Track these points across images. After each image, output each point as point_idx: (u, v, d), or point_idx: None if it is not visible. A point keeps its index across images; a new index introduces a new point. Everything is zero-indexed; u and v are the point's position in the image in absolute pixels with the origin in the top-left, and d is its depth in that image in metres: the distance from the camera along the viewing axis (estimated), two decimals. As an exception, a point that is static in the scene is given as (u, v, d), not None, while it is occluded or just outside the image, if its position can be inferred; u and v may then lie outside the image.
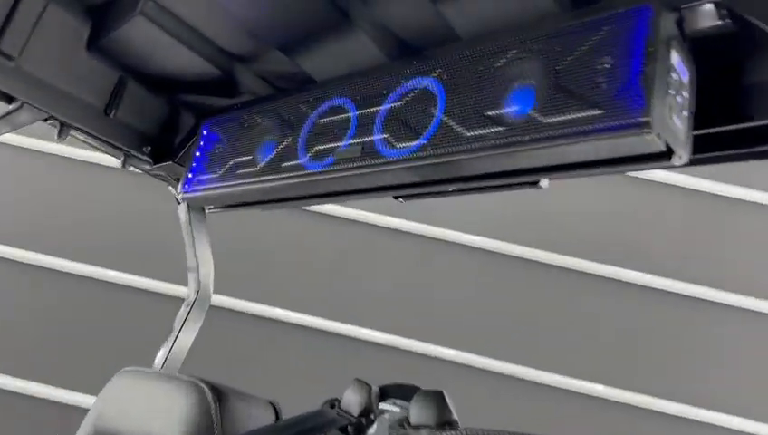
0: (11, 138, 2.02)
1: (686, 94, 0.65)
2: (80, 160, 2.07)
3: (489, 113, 0.71)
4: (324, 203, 0.95)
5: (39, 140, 2.06)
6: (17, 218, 2.07)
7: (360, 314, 2.05)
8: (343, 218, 2.04)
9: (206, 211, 1.19)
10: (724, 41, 0.67)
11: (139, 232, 2.00)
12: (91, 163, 2.04)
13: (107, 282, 2.01)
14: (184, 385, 0.91)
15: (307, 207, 1.98)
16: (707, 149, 0.71)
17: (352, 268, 2.09)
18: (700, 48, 0.68)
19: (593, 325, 2.08)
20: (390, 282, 2.09)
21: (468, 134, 0.72)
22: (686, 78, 0.66)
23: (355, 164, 0.82)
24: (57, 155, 2.08)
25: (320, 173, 0.86)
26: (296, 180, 0.89)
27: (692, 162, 0.66)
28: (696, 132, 0.68)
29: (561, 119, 0.64)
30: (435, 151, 0.74)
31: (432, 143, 0.75)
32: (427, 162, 0.75)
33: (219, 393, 0.90)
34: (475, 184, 0.82)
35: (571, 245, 2.10)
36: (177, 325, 1.23)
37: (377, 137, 0.82)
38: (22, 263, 2.02)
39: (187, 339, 1.23)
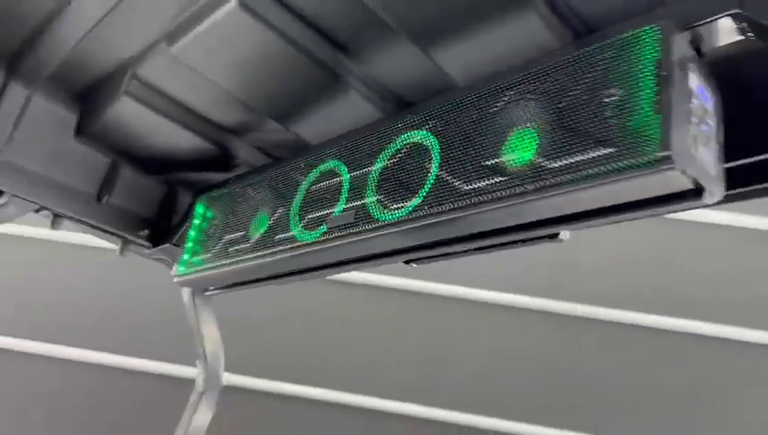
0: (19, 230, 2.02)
1: (711, 123, 0.57)
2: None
3: (488, 163, 0.63)
4: (322, 276, 0.88)
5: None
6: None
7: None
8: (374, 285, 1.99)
9: (207, 293, 1.12)
10: (749, 59, 0.58)
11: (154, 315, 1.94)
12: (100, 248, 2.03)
13: (119, 368, 1.96)
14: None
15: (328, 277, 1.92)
16: (741, 183, 0.61)
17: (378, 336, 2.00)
18: (724, 70, 0.60)
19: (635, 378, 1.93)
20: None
21: (467, 188, 0.63)
22: (709, 104, 0.57)
23: (349, 231, 0.74)
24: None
25: (313, 244, 0.78)
26: (289, 254, 0.81)
27: (727, 199, 0.57)
28: (729, 165, 0.58)
29: (568, 162, 0.56)
30: (431, 210, 0.66)
31: (428, 202, 0.67)
32: (424, 223, 0.67)
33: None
34: (488, 241, 0.73)
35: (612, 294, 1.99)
36: (187, 414, 1.15)
37: (370, 199, 0.74)
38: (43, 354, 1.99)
39: (200, 427, 1.14)
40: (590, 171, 0.54)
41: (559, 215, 0.60)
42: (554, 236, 0.72)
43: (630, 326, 1.98)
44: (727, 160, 0.60)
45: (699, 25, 0.57)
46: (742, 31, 0.55)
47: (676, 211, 0.56)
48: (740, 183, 0.61)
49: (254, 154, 1.07)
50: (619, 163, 0.53)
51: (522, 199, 0.58)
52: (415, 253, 0.78)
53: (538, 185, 0.57)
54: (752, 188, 0.62)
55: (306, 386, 1.97)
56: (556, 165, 0.57)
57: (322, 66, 0.83)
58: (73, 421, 1.93)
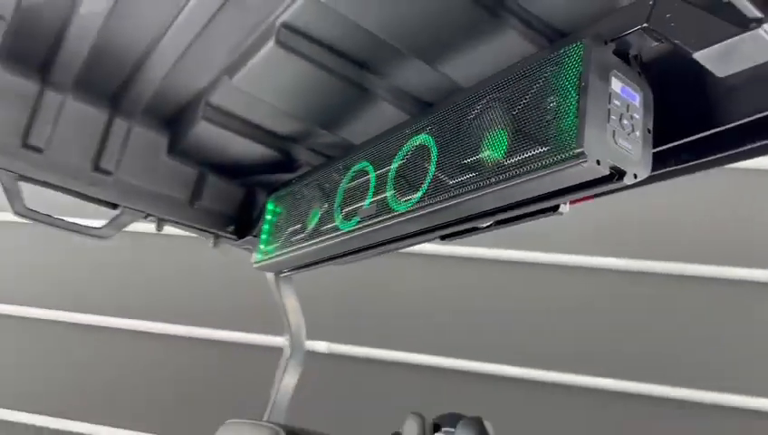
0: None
1: (637, 115, 0.69)
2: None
3: (466, 161, 0.79)
4: (360, 259, 1.07)
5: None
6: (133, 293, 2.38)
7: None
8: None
9: (282, 274, 1.35)
10: (673, 56, 0.70)
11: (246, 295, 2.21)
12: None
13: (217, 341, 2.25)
14: (266, 430, 1.05)
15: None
16: (673, 163, 0.73)
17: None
18: (657, 67, 0.72)
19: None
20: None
21: (451, 183, 0.80)
22: (635, 100, 0.70)
23: (372, 220, 0.92)
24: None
25: (349, 232, 0.97)
26: (333, 241, 1.01)
27: (657, 178, 0.69)
28: (662, 148, 0.71)
29: (518, 159, 0.71)
30: (429, 202, 0.83)
31: (428, 195, 0.84)
32: (424, 212, 0.84)
33: (293, 433, 1.04)
34: (499, 217, 0.89)
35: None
36: (277, 378, 1.39)
37: (389, 193, 0.92)
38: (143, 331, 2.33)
39: (287, 389, 1.38)
40: (534, 165, 0.69)
41: (518, 200, 0.75)
42: (556, 209, 0.86)
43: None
44: (663, 143, 0.72)
45: (619, 38, 0.69)
46: (657, 39, 0.67)
47: (605, 192, 0.70)
48: (672, 162, 0.73)
49: (311, 155, 1.27)
50: (553, 159, 0.67)
51: (486, 191, 0.74)
52: (429, 234, 0.95)
53: (496, 178, 0.73)
54: (682, 166, 0.74)
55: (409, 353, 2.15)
56: (510, 162, 0.72)
57: (351, 83, 1.01)
58: (187, 385, 2.24)
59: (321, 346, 2.25)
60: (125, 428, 2.26)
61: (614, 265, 2.10)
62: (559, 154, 0.66)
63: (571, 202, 0.87)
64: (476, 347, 2.13)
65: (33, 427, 2.31)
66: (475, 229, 0.98)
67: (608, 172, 0.66)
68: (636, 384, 2.01)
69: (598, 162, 0.65)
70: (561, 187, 0.70)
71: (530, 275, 2.14)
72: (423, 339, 2.14)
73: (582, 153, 0.64)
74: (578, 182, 0.68)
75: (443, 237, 1.05)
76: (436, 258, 2.24)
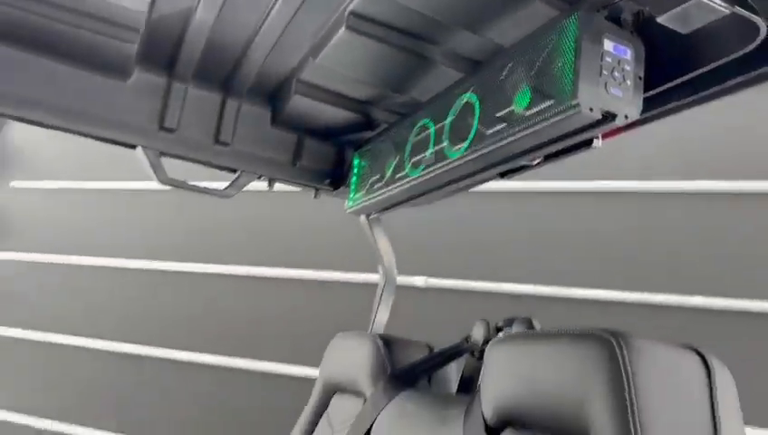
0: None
1: (628, 68, 0.86)
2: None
3: (500, 114, 0.99)
4: (432, 200, 1.30)
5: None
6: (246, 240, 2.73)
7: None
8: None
9: (371, 217, 1.61)
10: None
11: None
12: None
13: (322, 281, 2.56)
14: (367, 338, 1.33)
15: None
16: (662, 104, 0.89)
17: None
18: (651, 23, 0.87)
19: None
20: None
21: (488, 132, 1.00)
22: (627, 55, 0.86)
23: (433, 168, 1.14)
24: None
25: (417, 178, 1.20)
26: (405, 186, 1.24)
27: (651, 118, 0.86)
28: (652, 92, 0.87)
29: (534, 111, 0.90)
30: (474, 149, 1.04)
31: (473, 143, 1.05)
32: (471, 158, 1.05)
33: (387, 341, 1.30)
34: (542, 154, 1.08)
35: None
36: (374, 306, 1.67)
37: (445, 144, 1.13)
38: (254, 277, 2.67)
39: (382, 316, 1.65)
40: (546, 115, 0.88)
41: (538, 145, 0.95)
42: (590, 144, 1.05)
43: None
44: (654, 88, 0.89)
45: (611, 5, 0.85)
46: (637, 3, 0.83)
47: (602, 131, 0.88)
48: (661, 104, 0.90)
49: (387, 115, 1.50)
50: (558, 109, 0.86)
51: (513, 138, 0.94)
52: (486, 173, 1.16)
53: (519, 128, 0.93)
54: (671, 106, 0.90)
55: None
56: (528, 114, 0.91)
57: (412, 52, 1.23)
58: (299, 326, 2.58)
59: (419, 281, 2.51)
60: (246, 356, 2.65)
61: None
62: (561, 106, 0.85)
63: (604, 137, 1.05)
64: (560, 272, 2.30)
65: (191, 364, 2.76)
66: (525, 166, 1.18)
67: (600, 116, 0.84)
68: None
69: (591, 109, 0.83)
70: (571, 130, 0.89)
71: (604, 203, 2.27)
72: (504, 269, 2.34)
73: (577, 104, 0.82)
74: (582, 125, 0.87)
75: (501, 175, 1.26)
76: (523, 194, 2.42)
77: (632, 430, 0.68)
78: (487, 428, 0.91)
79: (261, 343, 2.62)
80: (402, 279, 2.38)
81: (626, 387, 0.70)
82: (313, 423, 1.44)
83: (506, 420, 0.89)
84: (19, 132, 3.45)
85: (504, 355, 0.91)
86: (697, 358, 0.74)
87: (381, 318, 1.65)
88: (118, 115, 1.39)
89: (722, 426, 0.71)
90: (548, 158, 1.12)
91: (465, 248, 2.45)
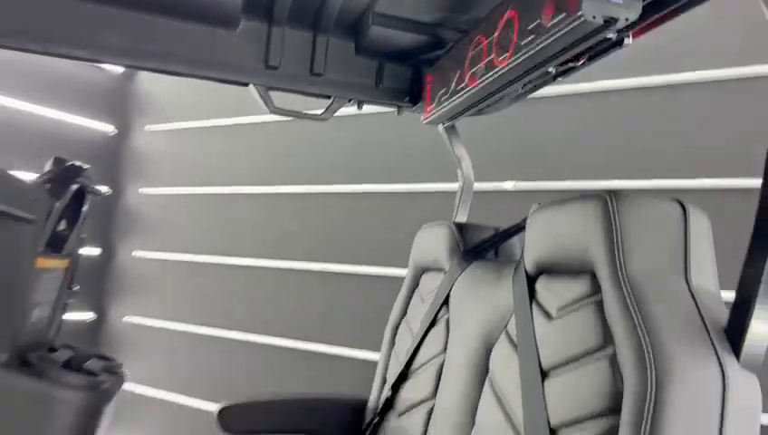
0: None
1: (628, -20, 1.03)
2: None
3: (530, 28, 1.19)
4: (489, 109, 1.52)
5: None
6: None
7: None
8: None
9: (445, 124, 1.85)
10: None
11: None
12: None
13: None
14: (443, 225, 1.61)
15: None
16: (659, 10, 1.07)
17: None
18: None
19: None
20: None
21: (523, 43, 1.21)
22: (627, -30, 1.03)
23: (485, 77, 1.37)
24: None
25: (473, 88, 1.43)
26: (465, 96, 1.48)
27: (651, 24, 1.04)
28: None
29: (554, 21, 1.10)
30: (515, 59, 1.25)
31: (514, 54, 1.26)
32: (513, 66, 1.26)
33: (460, 226, 1.58)
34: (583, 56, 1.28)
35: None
36: (455, 205, 1.93)
37: (492, 56, 1.35)
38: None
39: (462, 214, 1.92)
40: (561, 26, 1.08)
41: (562, 50, 1.15)
42: (621, 43, 1.24)
43: None
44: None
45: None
46: None
47: (609, 34, 1.06)
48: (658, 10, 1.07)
49: (454, 34, 1.72)
50: (569, 20, 1.05)
51: (538, 47, 1.15)
52: (540, 79, 1.36)
53: (543, 37, 1.13)
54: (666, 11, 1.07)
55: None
56: (549, 24, 1.11)
57: None
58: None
59: (508, 185, 2.72)
60: (345, 262, 3.00)
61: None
62: (571, 17, 1.05)
63: (635, 35, 1.24)
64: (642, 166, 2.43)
65: (307, 272, 3.17)
66: (572, 69, 1.38)
67: (602, 22, 1.03)
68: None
69: (594, 17, 1.02)
70: (581, 35, 1.09)
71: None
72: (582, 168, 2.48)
73: (581, 15, 1.02)
74: (590, 30, 1.06)
75: (555, 78, 1.46)
76: (600, 94, 2.53)
77: (618, 263, 0.92)
78: (528, 277, 1.17)
79: (362, 251, 2.97)
80: (493, 185, 2.62)
81: (614, 229, 0.93)
82: (408, 299, 1.76)
83: (541, 270, 1.15)
84: (148, 83, 3.93)
85: (538, 220, 1.15)
86: (678, 206, 0.96)
87: (461, 217, 1.92)
88: (231, 59, 1.71)
89: (691, 261, 0.92)
90: (591, 58, 1.32)
91: (554, 153, 2.61)
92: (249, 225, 3.40)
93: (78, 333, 3.71)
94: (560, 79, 1.47)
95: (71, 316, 3.58)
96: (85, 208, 1.25)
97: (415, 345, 1.56)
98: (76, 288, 1.50)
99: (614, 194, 0.96)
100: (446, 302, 1.51)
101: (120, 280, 3.88)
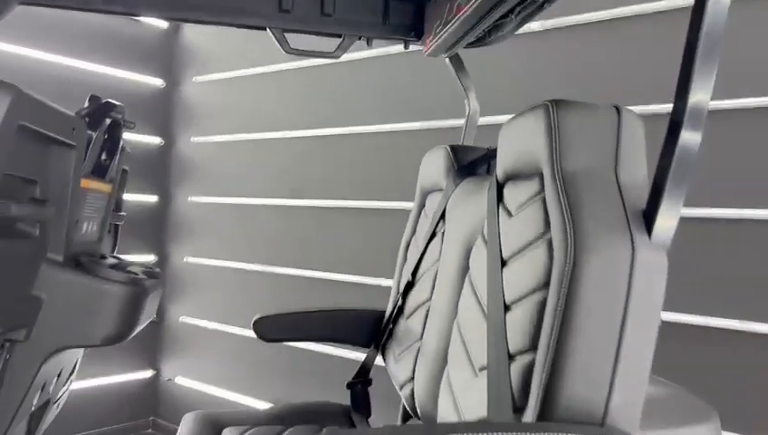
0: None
1: None
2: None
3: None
4: (480, 35, 1.64)
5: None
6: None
7: None
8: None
9: (444, 55, 1.98)
10: None
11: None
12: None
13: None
14: (441, 149, 1.77)
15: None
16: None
17: None
18: None
19: None
20: None
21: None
22: None
23: (466, 8, 1.50)
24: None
25: (462, 15, 1.56)
26: (456, 24, 1.61)
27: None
28: None
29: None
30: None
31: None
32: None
33: (455, 148, 1.74)
34: None
35: None
36: (462, 134, 2.08)
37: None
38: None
39: (468, 138, 2.06)
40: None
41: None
42: None
43: None
44: None
45: None
46: None
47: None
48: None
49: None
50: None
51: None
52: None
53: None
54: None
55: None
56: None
57: None
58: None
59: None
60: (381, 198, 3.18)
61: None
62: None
63: None
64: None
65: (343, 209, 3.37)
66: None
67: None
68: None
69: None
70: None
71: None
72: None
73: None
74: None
75: (542, 5, 1.57)
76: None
77: (554, 161, 1.06)
78: (498, 185, 1.33)
79: (396, 187, 3.14)
80: (501, 118, 2.72)
81: (553, 133, 1.07)
82: (416, 219, 1.94)
83: (507, 177, 1.30)
84: (192, 36, 4.15)
85: (503, 134, 1.30)
86: (614, 110, 1.08)
87: (467, 140, 2.07)
88: (247, 5, 1.88)
89: (621, 158, 1.05)
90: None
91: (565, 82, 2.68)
92: (293, 167, 3.62)
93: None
94: (546, 5, 1.58)
95: (135, 258, 3.94)
96: (122, 142, 1.47)
97: (418, 257, 1.75)
98: (123, 214, 1.75)
99: (555, 102, 1.09)
100: (443, 216, 1.68)
101: (177, 224, 4.20)
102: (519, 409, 1.01)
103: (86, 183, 1.28)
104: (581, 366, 0.93)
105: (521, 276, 1.11)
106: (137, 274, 1.32)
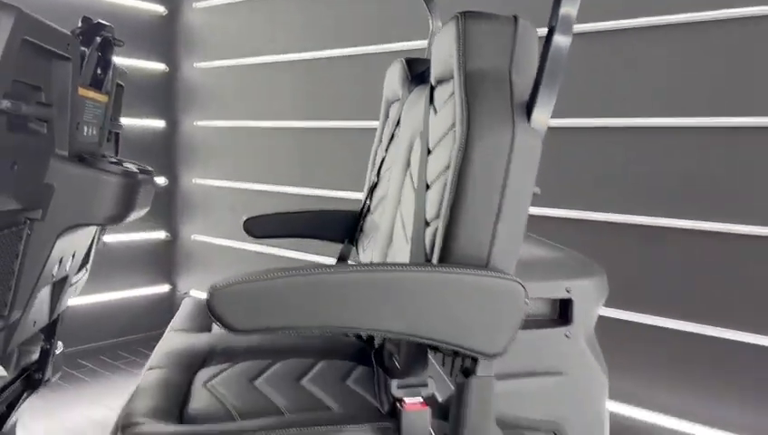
0: None
1: None
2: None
3: None
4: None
5: None
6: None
7: None
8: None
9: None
10: None
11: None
12: None
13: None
14: (398, 61, 1.97)
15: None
16: None
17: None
18: None
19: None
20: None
21: None
22: None
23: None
24: None
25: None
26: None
27: None
28: None
29: None
30: None
31: None
32: None
33: (409, 61, 1.94)
34: None
35: None
36: (426, 49, 2.26)
37: None
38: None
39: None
40: None
41: None
42: None
43: None
44: None
45: None
46: None
47: None
48: None
49: None
50: None
51: None
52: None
53: None
54: None
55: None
56: None
57: None
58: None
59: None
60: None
61: None
62: None
63: None
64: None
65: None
66: None
67: None
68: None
69: None
70: None
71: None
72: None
73: None
74: None
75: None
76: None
77: (460, 63, 1.28)
78: (432, 89, 1.55)
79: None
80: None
81: (460, 39, 1.29)
82: (383, 127, 2.17)
83: (437, 81, 1.52)
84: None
85: (434, 43, 1.51)
86: (512, 19, 1.29)
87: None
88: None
89: (514, 60, 1.26)
90: None
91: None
92: (300, 90, 3.83)
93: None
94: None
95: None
96: (114, 57, 1.71)
97: (380, 160, 2.00)
98: (121, 124, 2.01)
99: (464, 14, 1.30)
100: (399, 123, 1.91)
101: (184, 149, 4.47)
102: (428, 262, 1.28)
103: (83, 92, 1.53)
104: (470, 227, 1.18)
105: (437, 161, 1.35)
106: (131, 169, 1.59)
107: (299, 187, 3.76)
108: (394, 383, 1.14)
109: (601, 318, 1.45)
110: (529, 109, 1.20)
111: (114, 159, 1.72)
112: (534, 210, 2.69)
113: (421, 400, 1.15)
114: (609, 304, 2.34)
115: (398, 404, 1.15)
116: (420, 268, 1.11)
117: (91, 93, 1.58)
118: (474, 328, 1.12)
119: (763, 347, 2.21)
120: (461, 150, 1.18)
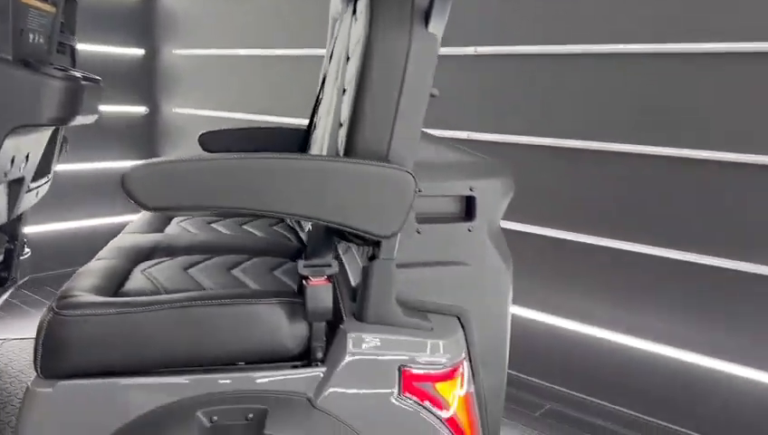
0: None
1: None
2: None
3: None
4: None
5: None
6: None
7: None
8: None
9: None
10: None
11: None
12: None
13: None
14: None
15: None
16: None
17: None
18: None
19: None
20: None
21: None
22: None
23: None
24: None
25: None
26: None
27: None
28: None
29: None
30: None
31: None
32: None
33: None
34: None
35: None
36: None
37: None
38: None
39: None
40: None
41: None
42: None
43: None
44: None
45: None
46: None
47: None
48: None
49: None
50: None
51: None
52: None
53: None
54: None
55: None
56: None
57: None
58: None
59: (469, 50, 2.97)
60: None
61: None
62: None
63: None
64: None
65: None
66: None
67: None
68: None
69: None
70: None
71: None
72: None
73: None
74: None
75: None
76: None
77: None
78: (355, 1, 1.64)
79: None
80: (458, 50, 2.91)
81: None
82: (330, 48, 2.26)
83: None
84: None
85: None
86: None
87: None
88: None
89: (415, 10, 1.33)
90: None
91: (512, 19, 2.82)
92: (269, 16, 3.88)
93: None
94: None
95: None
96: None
97: (322, 78, 2.09)
98: (75, 37, 2.09)
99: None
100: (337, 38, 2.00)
101: (164, 76, 4.54)
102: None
103: (27, 1, 1.62)
104: (370, 124, 1.29)
105: (351, 68, 1.45)
106: (74, 75, 1.69)
107: (274, 115, 3.85)
108: (301, 263, 1.27)
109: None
110: (427, 15, 1.29)
111: (61, 67, 1.82)
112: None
113: (325, 277, 1.29)
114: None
115: (303, 281, 1.29)
116: (323, 159, 1.23)
117: (36, 2, 1.67)
118: (368, 212, 1.25)
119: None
120: (363, 51, 1.27)
